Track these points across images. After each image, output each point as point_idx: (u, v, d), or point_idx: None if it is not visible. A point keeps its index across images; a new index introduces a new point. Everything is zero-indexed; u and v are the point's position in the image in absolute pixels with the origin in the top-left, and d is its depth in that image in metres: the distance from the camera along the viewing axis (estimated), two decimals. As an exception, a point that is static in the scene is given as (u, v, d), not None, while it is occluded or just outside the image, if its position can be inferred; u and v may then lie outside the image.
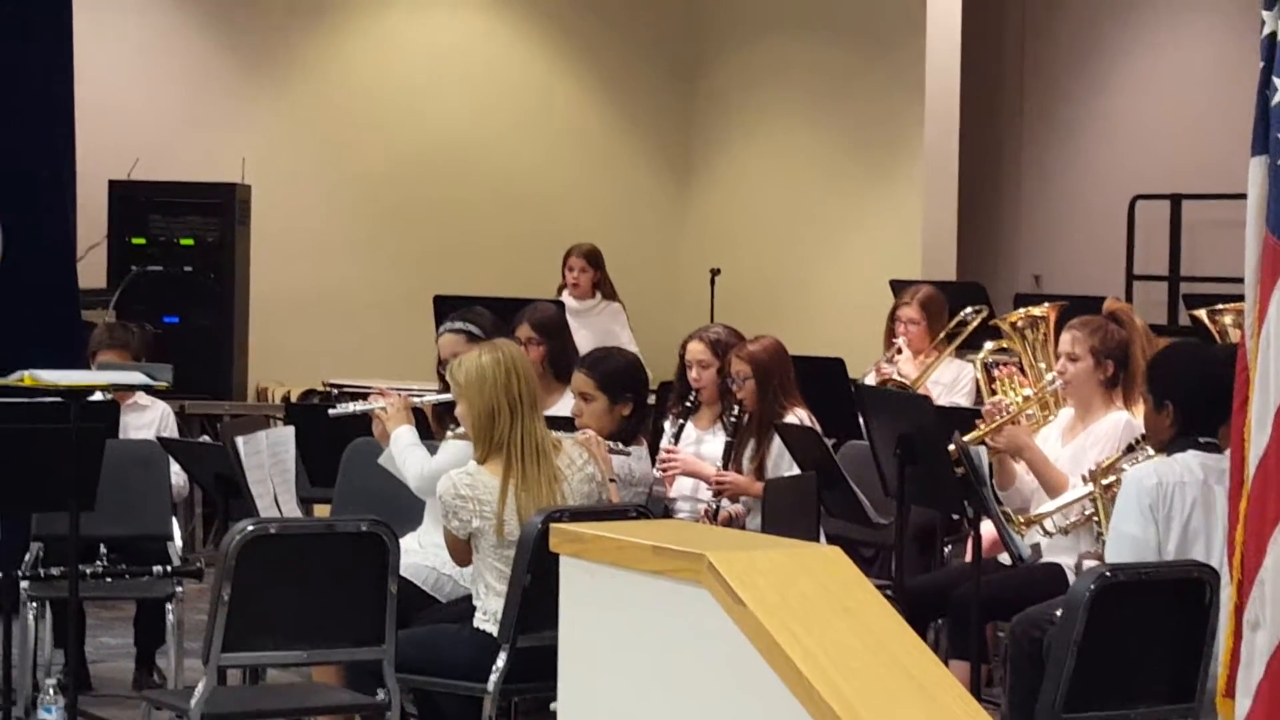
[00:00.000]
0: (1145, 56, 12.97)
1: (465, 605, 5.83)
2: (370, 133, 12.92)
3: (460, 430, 5.96)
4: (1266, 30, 4.46)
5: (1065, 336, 6.72)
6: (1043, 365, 7.27)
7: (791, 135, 13.23)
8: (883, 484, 6.61)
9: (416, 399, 6.57)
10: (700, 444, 7.28)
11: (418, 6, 13.23)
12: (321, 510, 7.30)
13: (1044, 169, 13.52)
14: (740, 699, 3.31)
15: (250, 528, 5.29)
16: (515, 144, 13.37)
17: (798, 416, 7.09)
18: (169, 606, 7.03)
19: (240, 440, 6.14)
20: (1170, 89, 12.74)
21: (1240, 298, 4.68)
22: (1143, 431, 5.98)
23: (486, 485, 5.61)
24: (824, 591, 3.36)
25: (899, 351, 8.64)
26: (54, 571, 6.70)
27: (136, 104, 12.16)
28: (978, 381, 8.07)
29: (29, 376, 6.20)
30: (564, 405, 7.06)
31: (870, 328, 9.27)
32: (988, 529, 6.33)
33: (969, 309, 8.76)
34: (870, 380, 8.49)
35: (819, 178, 13.03)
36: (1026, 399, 6.93)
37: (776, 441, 7.05)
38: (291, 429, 6.49)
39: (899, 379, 8.47)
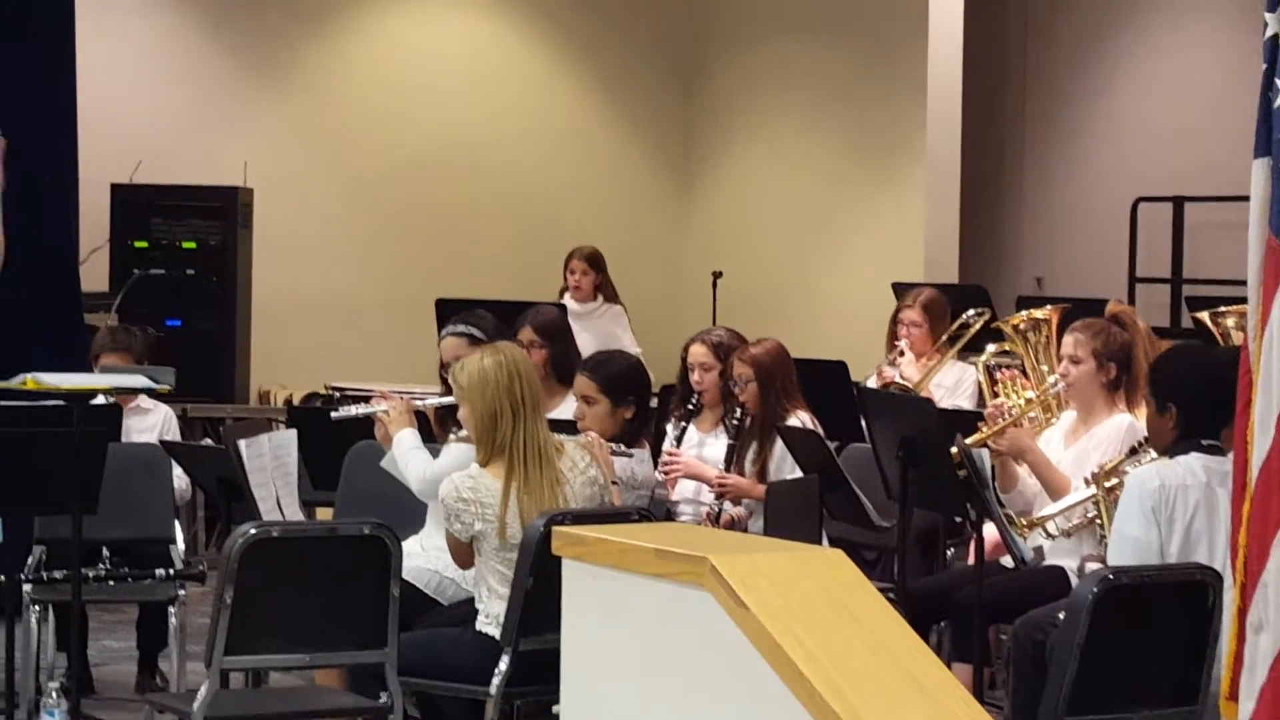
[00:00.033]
0: (1148, 59, 12.96)
1: (467, 608, 5.82)
2: (372, 136, 12.93)
3: (462, 433, 5.95)
4: (1269, 33, 4.46)
5: (1068, 339, 6.71)
6: (1045, 368, 7.27)
7: (793, 137, 13.22)
8: (885, 487, 6.60)
9: (419, 402, 6.56)
10: (702, 447, 7.28)
11: (419, 10, 13.23)
12: (324, 513, 7.28)
13: (1046, 171, 13.51)
14: (742, 702, 3.31)
15: (253, 531, 5.29)
16: (516, 147, 13.37)
17: (800, 419, 7.09)
18: (171, 610, 7.01)
19: (243, 443, 6.14)
20: (1172, 91, 12.73)
21: (1243, 300, 4.69)
22: (1145, 434, 5.98)
23: (489, 488, 5.61)
24: (826, 594, 3.36)
25: (901, 354, 8.64)
26: (57, 575, 6.71)
27: (139, 108, 12.16)
28: (980, 384, 8.06)
29: (31, 380, 6.20)
30: (566, 408, 7.06)
31: (872, 330, 9.27)
32: (990, 532, 6.32)
33: (971, 311, 8.76)
34: (872, 383, 8.49)
35: (821, 180, 13.03)
36: (1029, 401, 6.93)
37: (779, 444, 7.05)
38: (294, 432, 6.49)
39: (901, 381, 8.48)
